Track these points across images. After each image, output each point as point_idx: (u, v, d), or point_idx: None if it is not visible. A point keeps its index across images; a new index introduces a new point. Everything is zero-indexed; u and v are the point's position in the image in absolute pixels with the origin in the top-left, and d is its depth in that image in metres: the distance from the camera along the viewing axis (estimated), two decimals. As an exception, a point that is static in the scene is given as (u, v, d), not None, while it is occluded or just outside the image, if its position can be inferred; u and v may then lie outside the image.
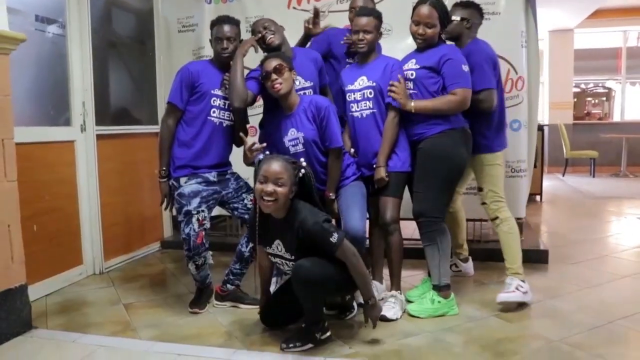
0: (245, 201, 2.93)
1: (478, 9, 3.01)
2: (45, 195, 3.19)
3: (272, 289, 2.79)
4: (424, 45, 2.77)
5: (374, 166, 2.81)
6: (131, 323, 2.76)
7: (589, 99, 11.19)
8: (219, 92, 2.85)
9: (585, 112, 10.96)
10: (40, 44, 3.21)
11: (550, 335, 2.47)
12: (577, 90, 10.83)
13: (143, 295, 3.22)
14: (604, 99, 11.21)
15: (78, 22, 3.45)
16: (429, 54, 2.76)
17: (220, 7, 4.14)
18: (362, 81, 2.83)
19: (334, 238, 2.24)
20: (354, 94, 2.85)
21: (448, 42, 2.92)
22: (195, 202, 2.75)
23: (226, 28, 2.84)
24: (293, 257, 2.37)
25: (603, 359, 2.23)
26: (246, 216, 2.88)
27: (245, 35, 3.55)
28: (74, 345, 2.48)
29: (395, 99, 2.72)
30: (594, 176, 8.85)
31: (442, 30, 2.79)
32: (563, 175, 9.04)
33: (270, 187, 2.26)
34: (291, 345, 2.37)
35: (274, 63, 2.63)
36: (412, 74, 2.77)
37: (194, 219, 2.73)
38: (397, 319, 2.72)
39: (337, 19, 3.67)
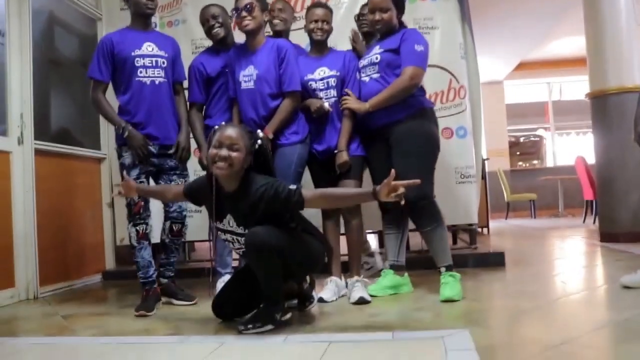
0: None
1: None
2: (-26, 204, 2.95)
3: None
4: (384, 29, 2.81)
5: (335, 151, 2.79)
6: (69, 327, 2.49)
7: (520, 163, 11.71)
8: (140, 52, 2.80)
9: (519, 166, 11.52)
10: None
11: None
12: (512, 139, 11.38)
13: (84, 308, 2.95)
14: (535, 160, 11.79)
15: (18, 32, 3.35)
16: (392, 38, 2.79)
17: (166, 32, 4.13)
18: (323, 72, 2.88)
19: (292, 186, 2.16)
20: (315, 83, 2.87)
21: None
22: (134, 172, 2.74)
23: None
24: (245, 232, 2.22)
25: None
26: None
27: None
28: None
29: (350, 108, 2.75)
30: (534, 217, 9.14)
31: (400, 13, 2.83)
32: (506, 219, 9.29)
33: (224, 152, 2.16)
34: (250, 326, 2.18)
35: (245, 1, 2.73)
36: (376, 58, 2.78)
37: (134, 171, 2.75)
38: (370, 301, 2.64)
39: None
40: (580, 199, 7.94)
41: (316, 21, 2.85)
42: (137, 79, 2.78)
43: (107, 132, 4.19)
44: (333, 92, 2.86)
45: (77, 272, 3.84)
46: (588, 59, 4.80)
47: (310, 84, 2.87)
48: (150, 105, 2.80)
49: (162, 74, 2.85)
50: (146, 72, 2.80)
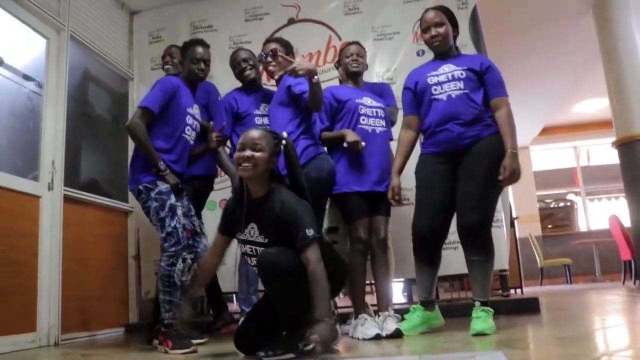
0: (196, 223, 2.84)
1: None
2: (0, 244, 2.97)
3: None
4: (443, 46, 2.71)
5: (390, 185, 2.78)
6: (88, 361, 2.42)
7: (550, 226, 11.45)
8: (191, 111, 2.90)
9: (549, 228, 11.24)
10: (15, 95, 3.25)
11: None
12: (542, 205, 11.18)
13: (104, 350, 2.88)
14: (565, 222, 11.52)
15: (55, 85, 3.52)
16: (465, 58, 2.72)
17: (194, 88, 4.31)
18: (369, 100, 2.93)
19: (310, 232, 2.07)
20: (365, 108, 2.89)
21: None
22: (174, 197, 2.70)
23: (200, 49, 2.92)
24: (266, 241, 2.17)
25: None
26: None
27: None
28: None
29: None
30: (570, 283, 8.77)
31: (456, 31, 2.78)
32: (540, 285, 8.93)
33: (248, 152, 2.18)
34: (270, 353, 2.09)
35: (272, 46, 2.88)
36: (461, 74, 2.62)
37: (179, 211, 2.67)
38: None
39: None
40: (618, 263, 7.64)
41: (351, 54, 2.96)
42: (184, 134, 2.87)
43: (134, 185, 4.28)
44: (382, 122, 2.91)
45: (100, 323, 3.79)
46: (611, 107, 4.80)
47: (360, 108, 2.88)
48: (182, 156, 2.89)
49: (195, 138, 2.97)
50: (189, 132, 2.90)
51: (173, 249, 2.63)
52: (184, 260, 2.63)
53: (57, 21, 3.58)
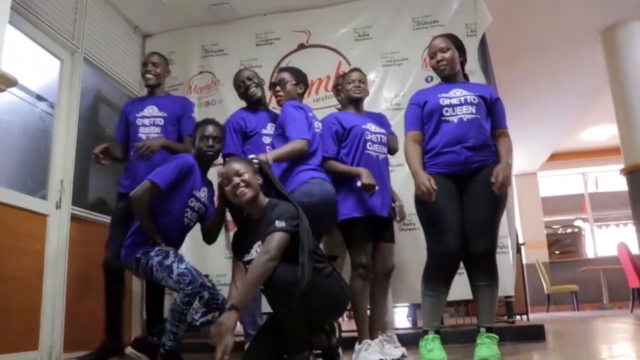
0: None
1: None
2: (6, 262, 2.98)
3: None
4: (449, 70, 2.71)
5: (399, 204, 2.97)
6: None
7: (557, 252, 11.36)
8: (197, 194, 2.84)
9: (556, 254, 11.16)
10: (28, 115, 3.31)
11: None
12: (549, 231, 11.12)
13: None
14: (573, 248, 11.43)
15: (67, 106, 3.58)
16: (474, 85, 2.76)
17: (203, 111, 4.34)
18: (373, 127, 2.97)
19: (279, 224, 2.16)
20: (370, 135, 2.92)
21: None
22: (173, 252, 2.67)
23: (210, 128, 2.89)
24: None
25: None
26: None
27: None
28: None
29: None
30: (577, 310, 8.67)
31: (463, 57, 2.79)
32: (547, 312, 8.84)
33: (236, 179, 2.30)
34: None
35: (282, 75, 3.00)
36: (474, 99, 2.61)
37: (186, 259, 2.64)
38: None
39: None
40: (626, 290, 7.55)
41: (353, 80, 3.00)
42: (184, 217, 2.80)
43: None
44: (384, 149, 2.96)
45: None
46: (620, 134, 4.80)
47: (367, 134, 2.90)
48: (177, 238, 2.85)
49: (197, 219, 2.91)
50: (190, 215, 2.83)
51: (190, 287, 2.48)
52: (201, 297, 2.51)
53: (72, 43, 3.66)
